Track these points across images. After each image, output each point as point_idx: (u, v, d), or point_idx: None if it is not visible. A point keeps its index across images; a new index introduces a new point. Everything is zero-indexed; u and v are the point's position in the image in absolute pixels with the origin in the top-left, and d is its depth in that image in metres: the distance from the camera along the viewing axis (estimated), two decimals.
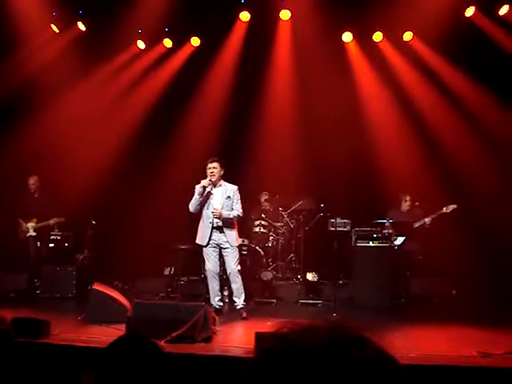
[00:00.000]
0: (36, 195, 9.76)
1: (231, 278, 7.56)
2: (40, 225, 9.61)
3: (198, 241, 7.63)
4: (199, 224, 7.66)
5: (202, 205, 7.50)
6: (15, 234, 9.69)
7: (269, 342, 0.97)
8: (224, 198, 7.53)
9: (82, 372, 2.12)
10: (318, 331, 0.96)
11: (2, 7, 9.08)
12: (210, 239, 7.47)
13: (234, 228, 7.61)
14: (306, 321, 1.00)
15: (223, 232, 7.49)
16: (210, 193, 7.48)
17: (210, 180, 7.42)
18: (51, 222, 9.57)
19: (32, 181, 9.72)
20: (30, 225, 9.61)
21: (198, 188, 7.43)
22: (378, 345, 0.94)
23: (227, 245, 7.48)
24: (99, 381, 2.00)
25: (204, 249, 7.57)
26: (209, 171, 7.45)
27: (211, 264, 7.52)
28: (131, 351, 2.06)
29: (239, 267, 7.54)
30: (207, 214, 7.50)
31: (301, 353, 0.91)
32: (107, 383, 1.98)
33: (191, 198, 7.50)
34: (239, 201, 7.66)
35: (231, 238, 7.51)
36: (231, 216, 7.55)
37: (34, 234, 9.62)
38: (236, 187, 7.66)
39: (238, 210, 7.60)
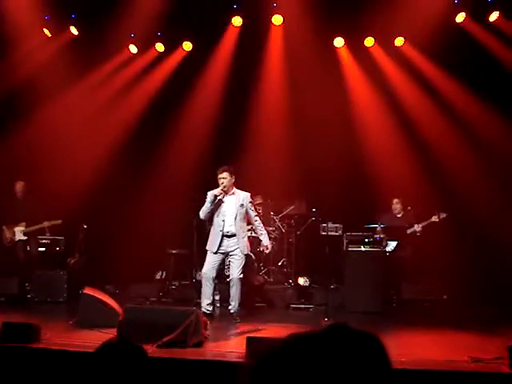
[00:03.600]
0: (22, 200, 9.62)
1: (231, 283, 7.56)
2: (32, 228, 9.51)
3: (208, 247, 7.64)
4: (210, 231, 7.70)
5: (212, 213, 7.53)
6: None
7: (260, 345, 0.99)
8: (238, 206, 7.54)
9: (73, 377, 2.11)
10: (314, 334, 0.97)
11: None
12: (219, 247, 7.49)
13: (245, 236, 7.69)
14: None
15: (234, 239, 7.51)
16: (221, 201, 7.50)
17: (221, 190, 7.43)
18: (45, 224, 9.46)
19: (18, 186, 9.63)
20: (19, 229, 9.50)
21: (209, 196, 7.45)
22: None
23: (237, 251, 7.50)
24: None
25: (209, 253, 7.58)
26: (219, 181, 7.45)
27: (208, 268, 7.50)
28: (116, 356, 2.06)
29: (242, 276, 7.54)
30: (218, 221, 7.53)
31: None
32: None
33: (201, 205, 7.57)
34: (253, 208, 7.78)
35: (242, 245, 7.55)
36: (264, 232, 7.82)
37: (25, 237, 9.54)
38: (249, 194, 7.68)
39: (257, 220, 7.79)
